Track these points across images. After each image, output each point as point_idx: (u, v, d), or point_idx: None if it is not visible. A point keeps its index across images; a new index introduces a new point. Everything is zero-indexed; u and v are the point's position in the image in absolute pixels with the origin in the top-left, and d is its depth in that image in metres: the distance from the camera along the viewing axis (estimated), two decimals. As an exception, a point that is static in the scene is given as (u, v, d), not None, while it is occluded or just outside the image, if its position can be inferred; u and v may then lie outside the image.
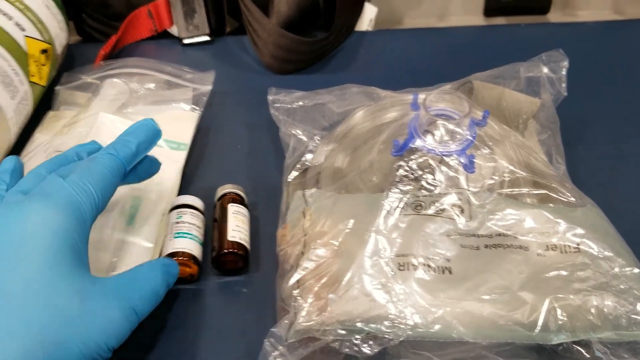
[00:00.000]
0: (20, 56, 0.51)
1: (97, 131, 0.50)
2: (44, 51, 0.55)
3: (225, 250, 0.43)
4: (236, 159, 0.53)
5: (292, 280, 0.37)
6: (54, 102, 0.57)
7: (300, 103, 0.52)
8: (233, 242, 0.43)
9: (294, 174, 0.46)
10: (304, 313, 0.35)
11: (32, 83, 0.52)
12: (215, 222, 0.45)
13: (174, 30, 0.68)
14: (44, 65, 0.55)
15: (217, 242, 0.44)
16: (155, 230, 0.45)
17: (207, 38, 0.68)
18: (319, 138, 0.48)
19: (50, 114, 0.56)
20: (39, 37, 0.54)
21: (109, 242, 0.43)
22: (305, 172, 0.47)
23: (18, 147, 0.52)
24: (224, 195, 0.47)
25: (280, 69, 0.63)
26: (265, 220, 0.47)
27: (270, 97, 0.53)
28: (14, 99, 0.50)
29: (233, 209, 0.46)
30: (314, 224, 0.39)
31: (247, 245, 0.44)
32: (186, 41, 0.68)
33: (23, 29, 0.52)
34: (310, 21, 0.67)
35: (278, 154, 0.52)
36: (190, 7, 0.67)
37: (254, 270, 0.45)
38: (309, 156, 0.47)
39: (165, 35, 0.69)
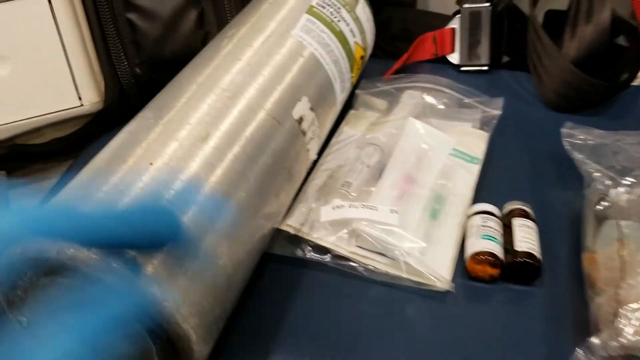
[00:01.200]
0: (350, 58, 0.59)
1: (406, 133, 0.56)
2: (362, 57, 0.63)
3: (518, 260, 0.47)
4: (520, 179, 0.57)
5: (615, 300, 0.39)
6: (354, 103, 0.65)
7: (597, 141, 0.54)
8: (522, 252, 0.47)
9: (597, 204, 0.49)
10: (632, 330, 0.37)
11: (350, 82, 0.61)
12: (503, 235, 0.49)
13: (451, 56, 0.74)
14: (359, 69, 0.63)
15: (506, 253, 0.47)
16: (457, 229, 0.50)
17: (484, 67, 0.73)
18: (620, 177, 0.50)
19: (352, 112, 0.64)
20: (361, 44, 0.62)
21: (418, 229, 0.49)
22: (599, 201, 0.49)
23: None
24: (512, 210, 0.51)
25: (557, 105, 0.66)
26: (550, 237, 0.50)
27: (565, 130, 0.56)
28: (343, 93, 0.58)
29: (519, 222, 0.49)
30: (633, 253, 0.42)
31: (538, 255, 0.47)
32: (463, 68, 0.73)
33: (354, 36, 0.61)
34: (589, 69, 0.69)
35: (560, 180, 0.56)
36: (475, 38, 0.72)
37: (541, 282, 0.47)
38: (611, 191, 0.49)
39: (441, 59, 0.75)
